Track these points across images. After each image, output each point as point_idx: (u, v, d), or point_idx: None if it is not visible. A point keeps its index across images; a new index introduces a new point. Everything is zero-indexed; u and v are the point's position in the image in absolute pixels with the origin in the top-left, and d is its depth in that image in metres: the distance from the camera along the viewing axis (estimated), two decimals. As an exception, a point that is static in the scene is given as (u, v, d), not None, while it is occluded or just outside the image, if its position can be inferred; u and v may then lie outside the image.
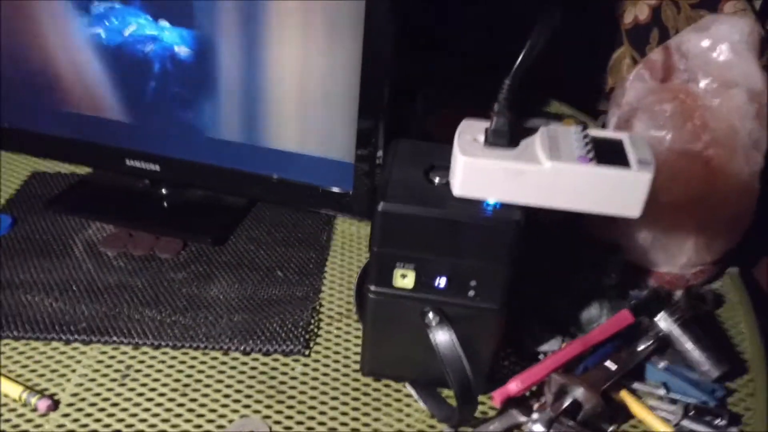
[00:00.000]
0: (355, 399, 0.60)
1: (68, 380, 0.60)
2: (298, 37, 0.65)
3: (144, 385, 0.60)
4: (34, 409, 0.57)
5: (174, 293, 0.70)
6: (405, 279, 0.55)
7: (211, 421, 0.57)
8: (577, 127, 0.54)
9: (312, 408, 0.59)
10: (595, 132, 0.54)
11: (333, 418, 0.58)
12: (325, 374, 0.62)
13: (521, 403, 0.59)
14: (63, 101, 0.77)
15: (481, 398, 0.59)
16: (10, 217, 0.79)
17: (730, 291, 0.73)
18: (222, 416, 0.58)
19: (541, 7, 0.48)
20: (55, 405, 0.58)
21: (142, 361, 0.63)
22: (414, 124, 0.89)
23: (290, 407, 0.59)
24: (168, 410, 0.58)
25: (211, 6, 0.66)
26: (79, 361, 0.62)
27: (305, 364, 0.63)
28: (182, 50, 0.69)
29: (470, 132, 0.53)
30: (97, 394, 0.59)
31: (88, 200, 0.83)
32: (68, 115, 0.77)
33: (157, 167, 0.77)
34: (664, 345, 0.63)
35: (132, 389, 0.60)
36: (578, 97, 1.02)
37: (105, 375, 0.61)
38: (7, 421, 0.56)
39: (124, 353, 0.63)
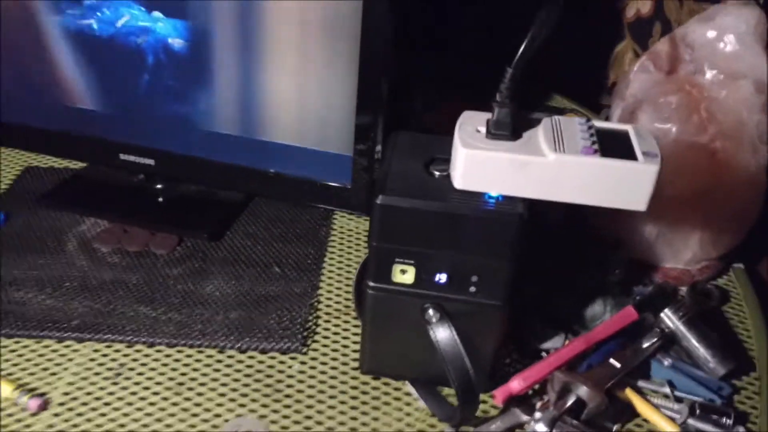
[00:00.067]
0: (354, 398, 0.59)
1: (60, 378, 0.59)
2: (295, 28, 0.64)
3: (138, 383, 0.59)
4: (25, 409, 0.56)
5: (169, 290, 0.69)
6: (405, 274, 0.54)
7: (206, 420, 0.56)
8: (581, 119, 0.53)
9: (309, 407, 0.58)
10: (600, 124, 0.53)
11: (331, 418, 0.57)
12: (323, 372, 0.61)
13: (523, 401, 0.58)
14: (55, 94, 0.75)
15: (482, 397, 0.58)
16: (3, 213, 0.78)
17: (736, 287, 0.73)
18: (217, 416, 0.57)
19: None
20: (46, 404, 0.57)
21: (135, 359, 0.62)
22: (413, 120, 0.89)
23: (287, 406, 0.58)
24: (162, 410, 0.57)
25: (206, -4, 0.65)
26: (71, 359, 0.61)
27: (303, 362, 0.62)
28: (176, 42, 0.69)
29: (471, 123, 0.52)
30: (90, 393, 0.58)
31: (81, 195, 0.82)
32: (60, 109, 0.76)
33: (151, 161, 0.76)
34: (669, 342, 0.62)
35: (125, 388, 0.59)
36: (580, 91, 1.02)
37: (98, 373, 0.60)
38: (-3, 420, 0.55)
39: (118, 351, 0.62)
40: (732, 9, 0.66)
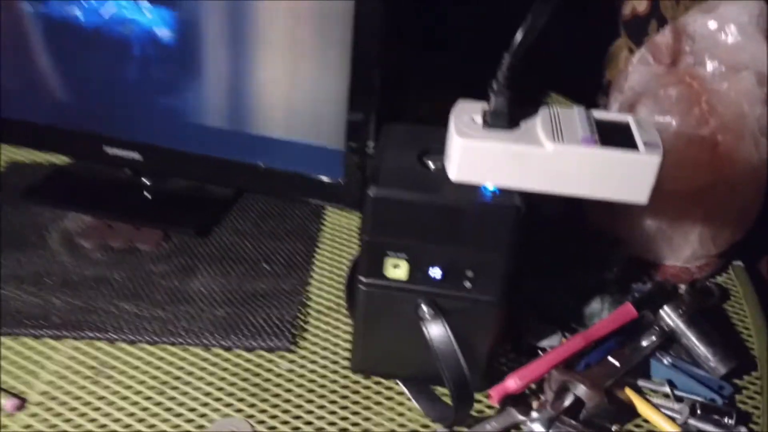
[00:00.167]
0: (344, 398, 0.58)
1: (37, 377, 0.57)
2: (287, 19, 0.62)
3: (119, 382, 0.58)
4: (0, 409, 0.54)
5: (153, 286, 0.67)
6: (397, 269, 0.52)
7: (190, 420, 0.55)
8: (581, 108, 0.51)
9: (298, 407, 0.57)
10: (600, 114, 0.51)
11: (320, 418, 0.56)
12: (312, 371, 0.60)
13: (520, 401, 0.57)
14: (38, 86, 0.74)
15: (477, 396, 0.57)
16: (-17, 208, 0.76)
17: (735, 285, 0.72)
18: (202, 416, 0.55)
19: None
20: (22, 404, 0.55)
21: (117, 358, 0.60)
22: (406, 115, 0.87)
23: (275, 406, 0.57)
24: (144, 409, 0.56)
25: (193, -16, 0.63)
26: (49, 357, 0.59)
27: (291, 361, 0.61)
28: (164, 32, 0.67)
29: (467, 113, 0.51)
30: (68, 393, 0.57)
31: (65, 190, 0.80)
32: (44, 102, 0.74)
33: (138, 155, 0.75)
34: (669, 340, 0.62)
35: (106, 387, 0.57)
36: (575, 88, 1.01)
37: (77, 372, 0.58)
38: (-29, 421, 0.53)
39: (99, 349, 0.61)
40: None
